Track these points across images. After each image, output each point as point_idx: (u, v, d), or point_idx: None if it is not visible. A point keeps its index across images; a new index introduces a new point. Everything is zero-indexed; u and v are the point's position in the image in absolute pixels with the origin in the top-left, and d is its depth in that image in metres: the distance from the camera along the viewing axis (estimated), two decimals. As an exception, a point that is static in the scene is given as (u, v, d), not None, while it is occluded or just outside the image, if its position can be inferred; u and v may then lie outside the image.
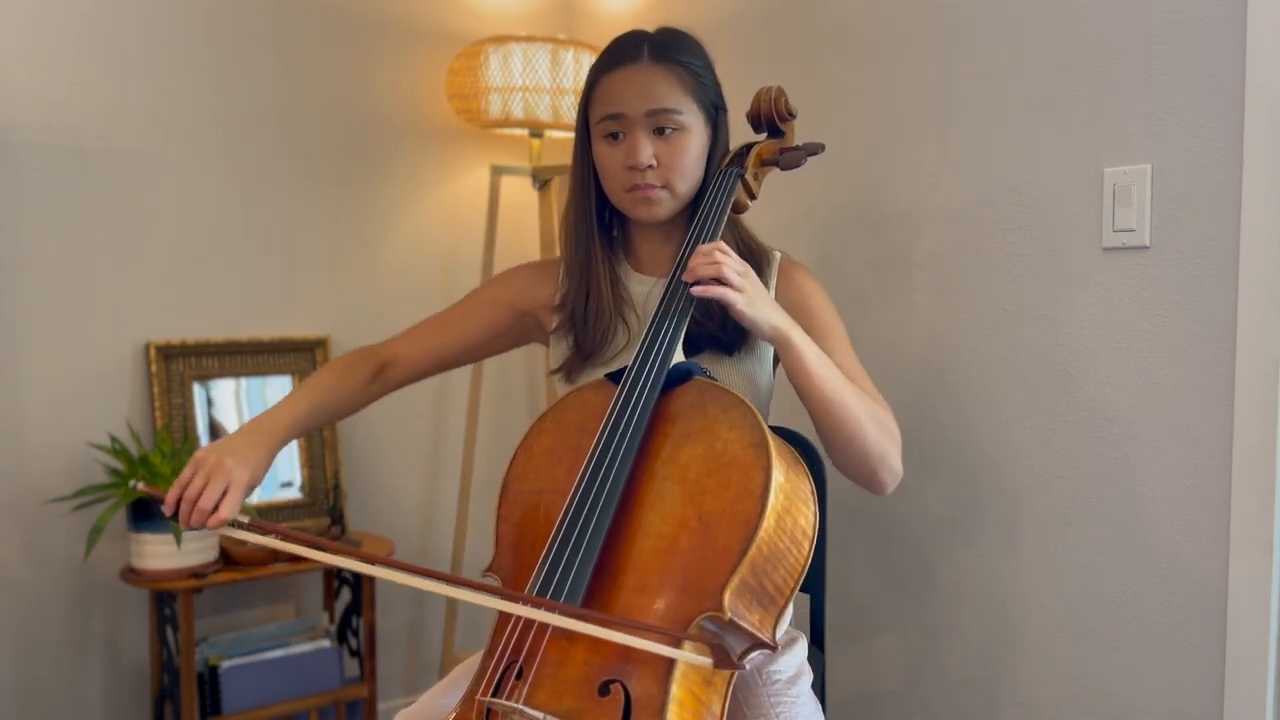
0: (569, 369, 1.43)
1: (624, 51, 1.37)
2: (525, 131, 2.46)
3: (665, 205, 1.37)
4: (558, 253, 2.50)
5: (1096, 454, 1.65)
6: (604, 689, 1.06)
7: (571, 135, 2.49)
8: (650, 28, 1.41)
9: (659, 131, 1.34)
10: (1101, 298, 1.63)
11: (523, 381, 2.74)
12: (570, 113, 2.35)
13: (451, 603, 2.53)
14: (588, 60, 2.36)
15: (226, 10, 2.24)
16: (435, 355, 1.50)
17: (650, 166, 1.33)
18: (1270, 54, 1.43)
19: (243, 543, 1.19)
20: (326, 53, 2.37)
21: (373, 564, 1.20)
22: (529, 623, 1.12)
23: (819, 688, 1.42)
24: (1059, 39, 1.66)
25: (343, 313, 2.43)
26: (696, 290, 1.24)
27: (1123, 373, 1.61)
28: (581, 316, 1.41)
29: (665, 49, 1.36)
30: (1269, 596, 1.46)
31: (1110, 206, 1.60)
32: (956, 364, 1.82)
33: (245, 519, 1.25)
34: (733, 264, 1.24)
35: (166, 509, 1.24)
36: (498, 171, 2.48)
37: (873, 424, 1.29)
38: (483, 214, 2.56)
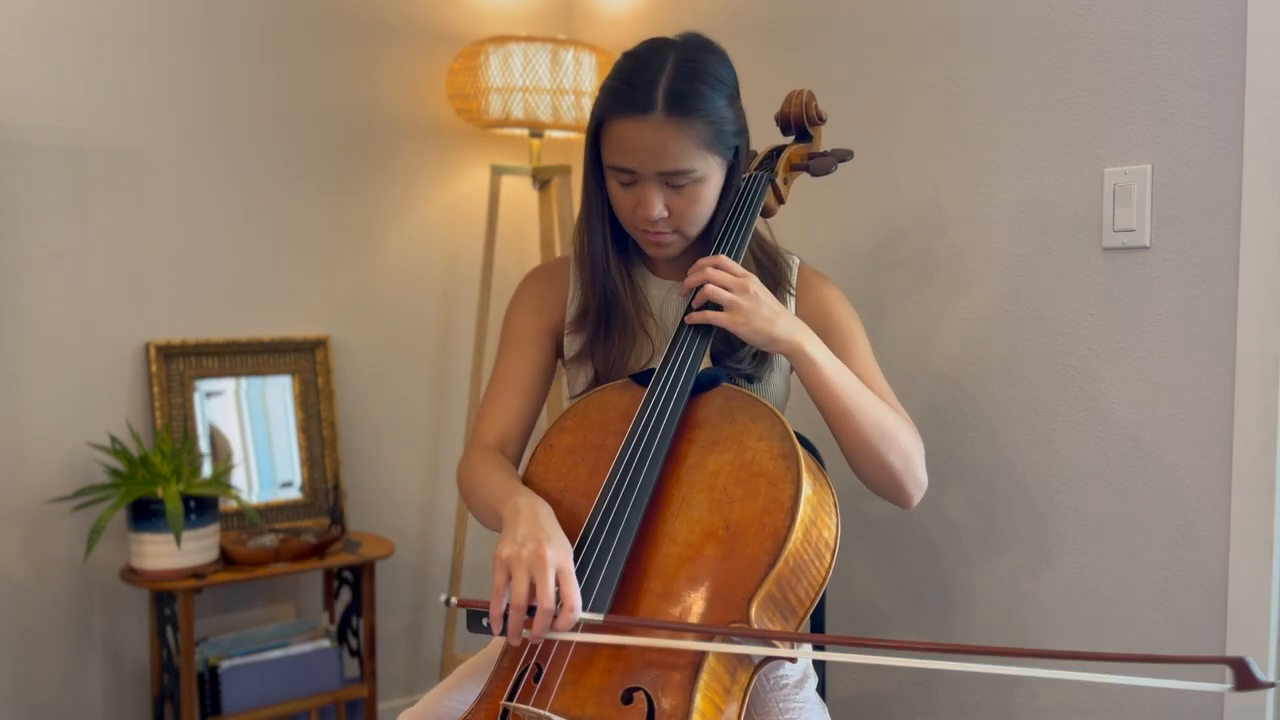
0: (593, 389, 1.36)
1: (636, 98, 1.23)
2: (525, 131, 2.46)
3: (676, 247, 1.32)
4: (558, 252, 2.51)
5: (1096, 454, 1.65)
6: (627, 697, 1.05)
7: (571, 135, 2.50)
8: (667, 32, 1.32)
9: (672, 185, 1.26)
10: (1101, 298, 1.63)
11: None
12: (571, 112, 2.35)
13: (451, 603, 2.52)
14: (588, 60, 2.36)
15: (227, 10, 2.24)
16: (529, 414, 1.40)
17: (662, 218, 1.27)
18: (1270, 54, 1.43)
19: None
20: (326, 53, 2.37)
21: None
22: None
23: (820, 689, 1.42)
24: (1059, 39, 1.66)
25: (343, 313, 2.43)
26: (690, 319, 1.23)
27: (1123, 373, 1.61)
28: (605, 333, 1.35)
29: (682, 100, 1.22)
30: (1269, 596, 1.46)
31: (1110, 206, 1.60)
32: (956, 364, 1.82)
33: (599, 617, 1.06)
34: (723, 279, 1.21)
35: (495, 627, 1.06)
36: (498, 171, 2.48)
37: (896, 435, 1.26)
38: (483, 214, 2.56)
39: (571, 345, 1.41)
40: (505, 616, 1.06)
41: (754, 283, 1.23)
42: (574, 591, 1.05)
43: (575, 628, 1.06)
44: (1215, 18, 1.48)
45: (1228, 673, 0.89)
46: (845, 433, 1.25)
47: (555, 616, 1.04)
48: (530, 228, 2.68)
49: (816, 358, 1.23)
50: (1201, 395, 1.53)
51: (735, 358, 1.32)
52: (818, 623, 1.55)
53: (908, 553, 1.91)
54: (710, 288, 1.21)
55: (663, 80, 1.23)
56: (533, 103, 2.32)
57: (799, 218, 2.04)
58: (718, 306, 1.23)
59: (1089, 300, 1.64)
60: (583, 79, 2.34)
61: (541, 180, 2.50)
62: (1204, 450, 1.53)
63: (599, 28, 2.59)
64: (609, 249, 1.36)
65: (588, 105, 2.35)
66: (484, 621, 1.07)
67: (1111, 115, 1.60)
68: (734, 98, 1.29)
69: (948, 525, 1.84)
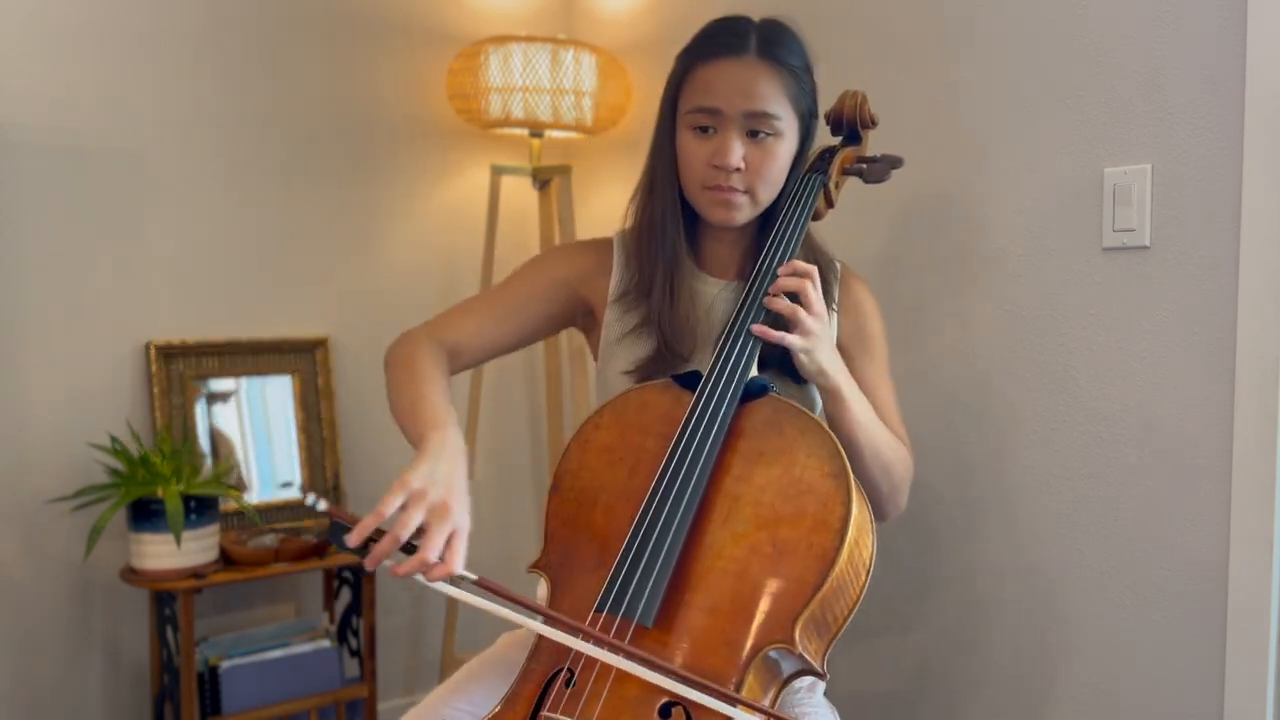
0: (646, 373, 1.32)
1: (729, 40, 1.26)
2: (525, 131, 2.46)
3: (744, 211, 1.29)
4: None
5: (1096, 454, 1.65)
6: (665, 710, 1.03)
7: (571, 135, 2.50)
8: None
9: (752, 134, 1.26)
10: (1101, 298, 1.63)
11: (523, 381, 2.74)
12: (571, 113, 2.35)
13: (452, 603, 2.53)
14: (588, 60, 2.36)
15: (227, 10, 2.24)
16: (496, 343, 1.37)
17: (738, 169, 1.25)
18: (1270, 54, 1.43)
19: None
20: (327, 53, 2.37)
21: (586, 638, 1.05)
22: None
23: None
24: (1059, 39, 1.66)
25: (343, 313, 2.43)
26: (758, 331, 1.19)
27: (1123, 373, 1.61)
28: (669, 320, 1.31)
29: (773, 46, 1.27)
30: (1269, 596, 1.46)
31: (1110, 206, 1.60)
32: (956, 364, 1.82)
33: (473, 576, 1.03)
34: (812, 305, 1.21)
35: (354, 539, 0.99)
36: (498, 171, 2.48)
37: (893, 468, 1.30)
38: (483, 214, 2.56)
39: (624, 321, 1.35)
40: (372, 540, 1.00)
41: (825, 316, 1.23)
42: (457, 554, 1.01)
43: (451, 583, 1.03)
44: (1215, 18, 1.48)
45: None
46: (850, 459, 1.26)
47: (431, 567, 0.99)
48: (530, 228, 2.68)
49: (850, 399, 1.24)
50: (1201, 395, 1.53)
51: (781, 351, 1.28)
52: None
53: (906, 553, 1.91)
54: (800, 314, 1.19)
55: (755, 30, 1.28)
56: (533, 103, 2.32)
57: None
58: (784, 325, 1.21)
59: (1089, 300, 1.64)
60: (583, 79, 2.34)
61: (541, 180, 2.50)
62: (1204, 450, 1.53)
63: (599, 28, 2.59)
64: (680, 231, 1.32)
65: (588, 105, 2.35)
66: (345, 537, 1.00)
67: (1111, 115, 1.60)
68: (810, 71, 1.32)
69: (946, 526, 1.84)
